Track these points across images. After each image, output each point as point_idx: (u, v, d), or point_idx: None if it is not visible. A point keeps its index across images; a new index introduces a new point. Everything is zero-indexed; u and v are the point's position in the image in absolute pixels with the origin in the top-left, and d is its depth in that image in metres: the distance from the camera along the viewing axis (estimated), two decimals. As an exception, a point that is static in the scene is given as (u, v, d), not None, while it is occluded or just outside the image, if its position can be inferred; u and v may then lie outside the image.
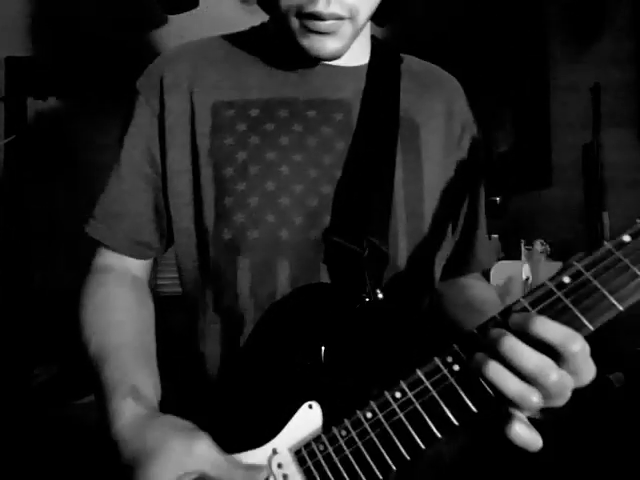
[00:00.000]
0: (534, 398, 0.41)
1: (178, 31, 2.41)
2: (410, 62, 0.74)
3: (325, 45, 0.59)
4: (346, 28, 0.59)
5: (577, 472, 1.27)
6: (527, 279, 1.86)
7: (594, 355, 0.43)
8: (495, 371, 0.42)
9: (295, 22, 0.58)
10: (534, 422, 0.45)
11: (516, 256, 2.08)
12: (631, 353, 1.39)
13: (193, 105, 0.64)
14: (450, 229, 0.73)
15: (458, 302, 0.74)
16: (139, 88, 0.67)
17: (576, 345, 0.40)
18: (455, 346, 0.46)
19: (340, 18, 0.57)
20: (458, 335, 0.47)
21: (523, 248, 2.05)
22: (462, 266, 0.78)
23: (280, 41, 0.66)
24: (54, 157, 2.84)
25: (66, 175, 2.82)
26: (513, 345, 0.41)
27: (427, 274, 0.69)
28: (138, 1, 2.35)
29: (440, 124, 0.70)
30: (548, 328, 0.41)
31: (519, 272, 1.88)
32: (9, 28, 2.51)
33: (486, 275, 1.90)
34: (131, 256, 0.68)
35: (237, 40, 0.70)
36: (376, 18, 0.70)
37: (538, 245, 1.96)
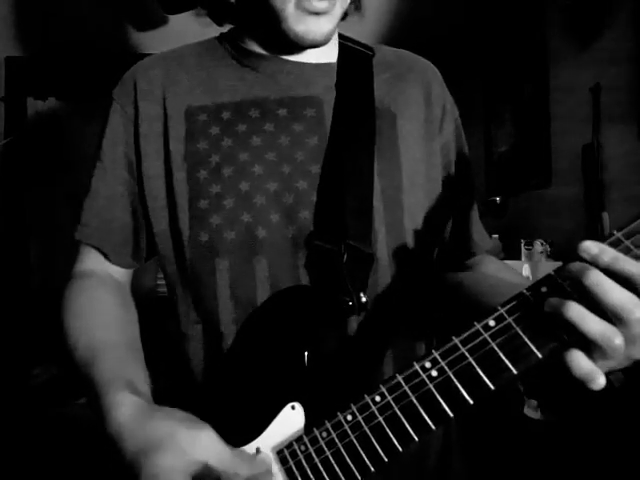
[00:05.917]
0: (617, 340, 0.39)
1: (178, 31, 2.41)
2: (383, 52, 0.74)
3: (321, 26, 0.62)
4: (338, 8, 0.62)
5: (577, 472, 1.27)
6: (527, 279, 1.86)
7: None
8: (576, 311, 0.40)
9: (291, 7, 0.60)
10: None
11: (516, 256, 2.08)
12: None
13: (166, 111, 0.65)
14: (439, 217, 0.71)
15: (483, 289, 0.67)
16: (114, 96, 0.69)
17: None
18: (434, 352, 0.46)
19: None
20: (439, 343, 0.47)
21: (523, 248, 2.05)
22: (461, 250, 0.75)
23: (250, 43, 0.68)
24: (53, 157, 2.83)
25: (65, 175, 2.81)
26: (600, 279, 0.39)
27: (412, 267, 0.67)
28: (138, 1, 2.35)
29: (418, 111, 0.70)
30: (632, 266, 0.39)
31: (519, 272, 1.88)
32: (9, 28, 2.51)
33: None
34: (115, 263, 0.68)
35: (209, 46, 0.72)
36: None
37: (538, 245, 1.96)
